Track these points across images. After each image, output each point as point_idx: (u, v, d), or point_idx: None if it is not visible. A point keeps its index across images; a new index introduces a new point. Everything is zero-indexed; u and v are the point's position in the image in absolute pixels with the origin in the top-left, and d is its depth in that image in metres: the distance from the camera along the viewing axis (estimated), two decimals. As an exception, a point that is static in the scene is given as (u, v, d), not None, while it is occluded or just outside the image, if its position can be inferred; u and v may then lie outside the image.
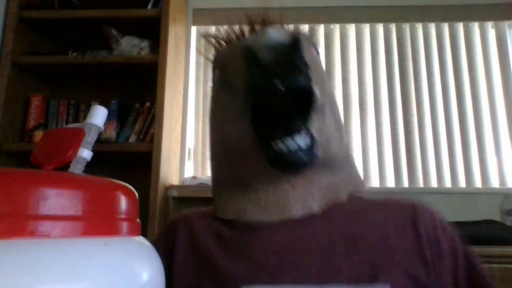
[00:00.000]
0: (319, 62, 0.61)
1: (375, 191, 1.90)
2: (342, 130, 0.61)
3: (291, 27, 0.62)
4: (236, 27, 0.62)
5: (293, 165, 0.46)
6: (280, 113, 0.46)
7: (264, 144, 0.49)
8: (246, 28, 0.61)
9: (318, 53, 0.63)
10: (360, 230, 0.54)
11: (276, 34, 0.52)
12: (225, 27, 0.63)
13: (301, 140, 0.47)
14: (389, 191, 1.89)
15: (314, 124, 0.51)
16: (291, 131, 0.46)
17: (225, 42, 0.63)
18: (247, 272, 0.51)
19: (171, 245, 0.59)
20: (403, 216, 0.56)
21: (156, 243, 0.57)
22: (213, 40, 0.63)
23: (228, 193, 0.59)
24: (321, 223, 0.55)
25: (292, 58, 0.45)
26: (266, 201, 0.55)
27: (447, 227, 0.56)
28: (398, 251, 0.52)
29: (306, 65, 0.47)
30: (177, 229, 0.61)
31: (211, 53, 0.64)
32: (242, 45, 0.55)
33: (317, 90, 0.47)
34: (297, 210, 0.54)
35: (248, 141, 0.52)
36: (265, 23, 0.60)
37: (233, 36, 0.62)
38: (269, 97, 0.45)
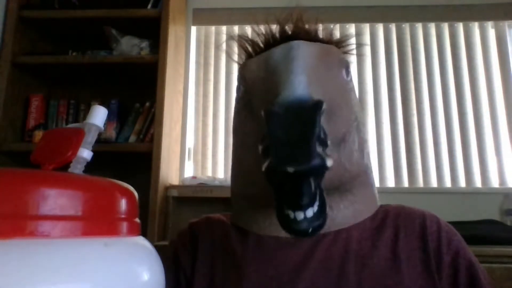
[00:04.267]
0: (347, 89, 0.59)
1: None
2: (365, 148, 0.61)
3: (322, 27, 0.61)
4: (264, 28, 0.61)
5: (299, 233, 0.47)
6: (294, 192, 0.46)
7: (277, 204, 0.48)
8: (274, 30, 0.60)
9: (348, 73, 0.61)
10: (370, 249, 0.56)
11: (302, 84, 0.49)
12: (253, 27, 0.63)
13: (310, 211, 0.47)
14: (389, 191, 1.89)
15: (330, 161, 0.50)
16: (302, 207, 0.46)
17: (254, 46, 0.62)
18: (263, 282, 0.55)
19: (194, 245, 0.62)
20: (413, 229, 0.58)
21: (177, 241, 0.65)
22: (240, 42, 0.63)
23: (248, 207, 0.62)
24: (334, 241, 0.57)
25: (307, 138, 0.43)
26: None
27: (452, 239, 0.57)
28: (406, 271, 0.53)
29: (323, 140, 0.45)
30: (199, 230, 0.65)
31: (236, 54, 0.64)
32: (267, 61, 0.55)
33: (330, 161, 0.45)
34: (327, 227, 0.55)
35: (256, 173, 0.52)
36: (297, 24, 0.59)
37: (261, 40, 0.61)
38: (280, 179, 0.44)
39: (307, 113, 0.44)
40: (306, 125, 0.44)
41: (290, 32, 0.60)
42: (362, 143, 0.61)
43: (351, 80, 0.62)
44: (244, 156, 0.59)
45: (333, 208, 0.57)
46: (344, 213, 0.58)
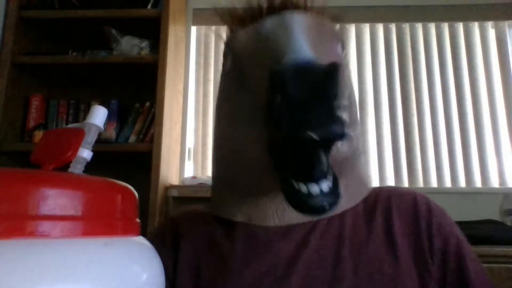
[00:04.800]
0: (342, 64, 0.52)
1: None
2: (356, 129, 0.56)
3: (313, 7, 0.55)
4: (254, 2, 0.55)
5: (315, 210, 0.42)
6: (308, 162, 0.41)
7: (283, 179, 0.44)
8: (264, 2, 0.54)
9: (343, 48, 0.56)
10: (364, 234, 0.54)
11: (304, 43, 0.44)
12: (242, 1, 0.56)
13: (325, 184, 0.42)
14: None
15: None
16: (317, 179, 0.42)
17: (240, 20, 0.56)
18: (256, 279, 0.51)
19: (175, 243, 0.58)
20: (405, 210, 0.56)
21: (156, 239, 0.57)
22: (227, 17, 0.57)
23: (233, 195, 0.57)
24: (327, 229, 0.54)
25: (328, 99, 0.38)
26: (273, 206, 0.54)
27: (443, 224, 0.55)
28: (401, 256, 0.52)
29: (342, 106, 0.41)
30: (180, 227, 0.60)
31: (224, 32, 0.59)
32: (259, 31, 0.50)
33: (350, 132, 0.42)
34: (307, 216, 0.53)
35: (257, 151, 0.48)
36: (286, 3, 0.53)
37: (250, 14, 0.55)
38: (299, 146, 0.40)
39: (324, 73, 0.38)
40: (327, 84, 0.38)
41: (279, 4, 0.53)
42: (354, 123, 0.55)
43: (345, 56, 0.58)
44: (233, 133, 0.52)
45: None
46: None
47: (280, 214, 0.54)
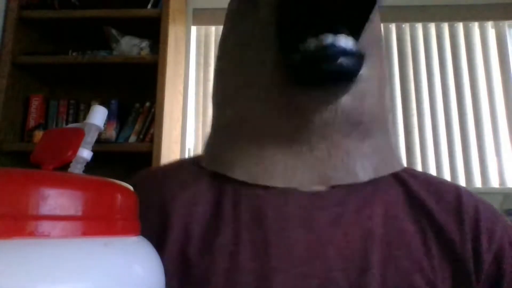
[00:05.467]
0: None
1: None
2: (385, 85, 0.47)
3: None
4: None
5: (329, 70, 0.33)
6: (330, 11, 0.34)
7: (289, 48, 0.36)
8: None
9: None
10: (398, 234, 0.42)
11: None
12: None
13: (350, 42, 0.34)
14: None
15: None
16: (334, 29, 0.34)
17: None
18: (265, 273, 0.40)
19: (163, 207, 0.45)
20: (446, 208, 0.44)
21: (142, 197, 0.38)
22: None
23: (235, 142, 0.46)
24: (355, 221, 0.42)
25: None
26: (283, 161, 0.43)
27: (495, 229, 0.43)
28: (438, 269, 0.41)
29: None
30: (166, 186, 0.46)
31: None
32: None
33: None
34: (336, 177, 0.42)
35: (267, 63, 0.41)
36: None
37: None
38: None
39: None
40: None
41: None
42: (382, 74, 0.46)
43: None
44: (244, 52, 0.44)
45: (350, 153, 0.43)
46: (363, 163, 0.44)
47: (291, 172, 0.43)
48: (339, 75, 0.35)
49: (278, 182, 0.43)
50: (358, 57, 0.36)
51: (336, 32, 0.34)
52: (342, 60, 0.34)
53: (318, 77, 0.36)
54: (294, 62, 0.37)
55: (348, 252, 0.40)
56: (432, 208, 0.44)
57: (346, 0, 0.35)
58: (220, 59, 0.50)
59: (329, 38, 0.34)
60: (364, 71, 0.40)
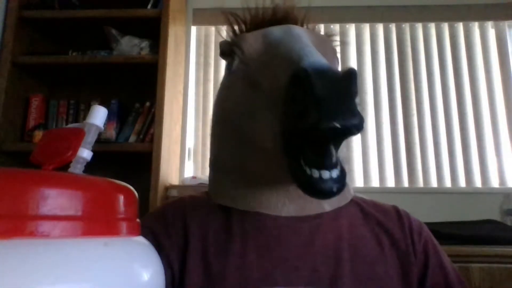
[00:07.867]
0: None
1: (373, 191, 1.90)
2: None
3: (312, 26, 0.61)
4: (258, 9, 0.60)
5: (326, 194, 0.46)
6: (324, 151, 0.46)
7: (295, 166, 0.47)
8: (267, 12, 0.60)
9: (338, 64, 0.62)
10: (359, 237, 0.58)
11: (309, 43, 0.51)
12: (246, 6, 0.62)
13: (335, 172, 0.47)
14: (389, 191, 1.90)
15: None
16: (329, 167, 0.46)
17: (244, 23, 0.61)
18: (268, 271, 0.54)
19: (184, 230, 0.58)
20: (390, 218, 0.62)
21: (159, 223, 0.59)
22: (232, 19, 0.63)
23: (237, 184, 0.59)
24: (329, 229, 0.58)
25: (349, 96, 0.43)
26: (279, 196, 0.57)
27: (422, 230, 0.62)
28: (390, 260, 0.57)
29: (357, 105, 0.45)
30: (187, 213, 0.60)
31: (229, 33, 0.63)
32: (267, 36, 0.55)
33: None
34: (310, 209, 0.58)
35: (269, 139, 0.51)
36: (288, 16, 0.59)
37: (253, 20, 0.60)
38: (320, 136, 0.44)
39: (345, 75, 0.43)
40: (347, 84, 0.43)
41: (280, 15, 0.60)
42: None
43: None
44: (245, 124, 0.55)
45: None
46: (330, 199, 0.59)
47: (288, 203, 0.57)
48: (332, 195, 0.47)
49: (271, 211, 0.57)
50: (343, 178, 0.47)
51: (331, 167, 0.46)
52: (332, 185, 0.46)
53: (317, 195, 0.48)
54: (297, 179, 0.48)
55: (326, 250, 0.56)
56: (381, 220, 0.61)
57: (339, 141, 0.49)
58: (217, 123, 0.62)
59: (326, 173, 0.46)
60: None
